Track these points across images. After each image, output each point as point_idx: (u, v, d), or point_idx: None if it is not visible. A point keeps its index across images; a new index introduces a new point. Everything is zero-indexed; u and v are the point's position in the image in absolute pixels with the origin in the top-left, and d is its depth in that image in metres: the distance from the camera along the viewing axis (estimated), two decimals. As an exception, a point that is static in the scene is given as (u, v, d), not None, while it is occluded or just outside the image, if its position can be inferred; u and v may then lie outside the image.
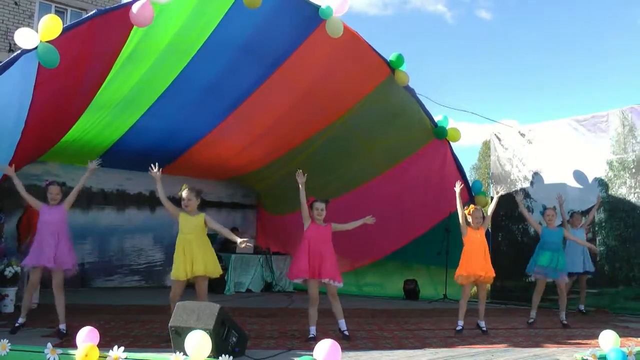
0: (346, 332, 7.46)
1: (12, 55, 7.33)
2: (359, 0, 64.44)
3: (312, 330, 7.36)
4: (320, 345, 4.98)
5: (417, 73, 52.25)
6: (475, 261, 8.22)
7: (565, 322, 9.23)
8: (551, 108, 55.65)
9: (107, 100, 10.24)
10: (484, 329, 8.26)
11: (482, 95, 62.66)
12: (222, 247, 14.43)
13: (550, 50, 59.09)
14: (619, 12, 55.06)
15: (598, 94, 54.50)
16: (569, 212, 11.15)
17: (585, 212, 11.56)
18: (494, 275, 8.35)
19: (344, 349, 5.08)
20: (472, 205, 8.63)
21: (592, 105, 61.88)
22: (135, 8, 7.90)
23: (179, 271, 7.08)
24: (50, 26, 7.30)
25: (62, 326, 7.23)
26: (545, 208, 9.64)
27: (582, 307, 11.02)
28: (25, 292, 7.54)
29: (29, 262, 7.37)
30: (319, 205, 7.63)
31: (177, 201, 7.42)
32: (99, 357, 5.30)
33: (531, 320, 9.33)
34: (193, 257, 7.08)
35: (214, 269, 7.26)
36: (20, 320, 7.32)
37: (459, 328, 8.20)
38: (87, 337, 5.48)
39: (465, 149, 56.07)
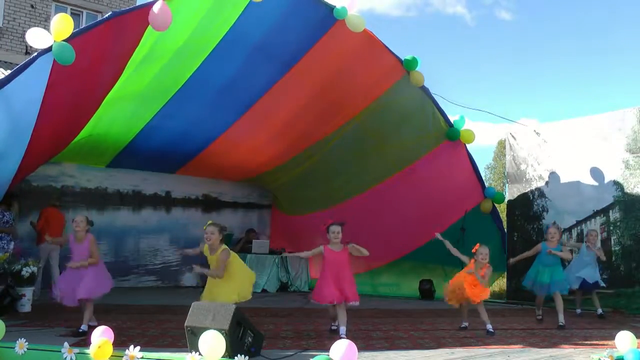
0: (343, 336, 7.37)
1: (30, 57, 7.39)
2: (383, 3, 64.72)
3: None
4: (336, 345, 4.98)
5: (436, 73, 52.44)
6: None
7: (562, 324, 9.14)
8: (571, 107, 55.65)
9: (121, 100, 10.29)
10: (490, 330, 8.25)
11: (500, 95, 62.79)
12: (239, 248, 14.47)
13: (571, 49, 59.00)
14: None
15: (618, 92, 54.40)
16: (587, 230, 11.10)
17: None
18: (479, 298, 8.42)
19: (359, 349, 5.07)
20: (477, 245, 8.60)
21: (612, 104, 61.80)
22: (153, 12, 7.92)
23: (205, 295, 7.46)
24: (63, 26, 7.34)
25: (84, 326, 7.28)
26: (547, 227, 9.69)
27: (600, 310, 10.76)
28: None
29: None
30: (335, 228, 7.85)
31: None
32: (116, 356, 5.34)
33: (539, 317, 9.61)
34: (218, 296, 7.27)
35: (247, 294, 7.73)
36: (83, 327, 7.31)
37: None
38: (102, 336, 5.50)
39: (481, 149, 56.11)
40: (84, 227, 7.64)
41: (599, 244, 10.85)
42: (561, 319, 9.16)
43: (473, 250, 8.49)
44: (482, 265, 8.38)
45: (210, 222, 7.65)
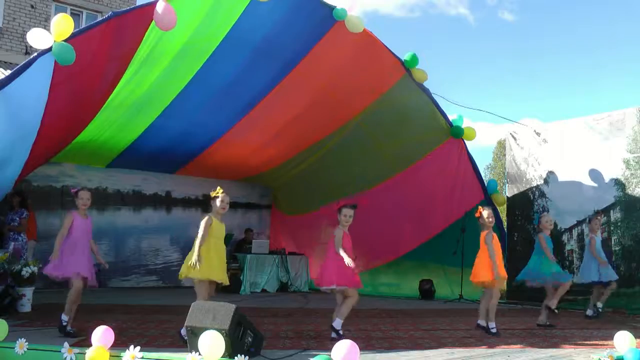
0: (340, 332, 7.24)
1: (30, 58, 7.39)
2: (387, 4, 64.82)
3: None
4: (338, 346, 4.97)
5: (438, 74, 52.45)
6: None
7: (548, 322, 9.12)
8: (572, 107, 55.58)
9: (123, 101, 10.29)
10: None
11: (502, 95, 62.76)
12: (237, 248, 14.51)
13: (573, 50, 59.00)
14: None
15: (618, 92, 54.43)
16: (593, 212, 11.01)
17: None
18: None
19: (359, 349, 5.06)
20: (479, 207, 8.45)
21: (612, 104, 61.83)
22: (158, 12, 7.89)
23: (216, 272, 6.91)
24: (63, 26, 7.35)
25: (69, 328, 7.17)
26: (541, 215, 9.63)
27: (591, 310, 10.55)
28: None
29: (63, 273, 7.33)
30: (348, 211, 7.39)
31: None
32: (114, 357, 5.33)
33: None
34: (223, 263, 7.04)
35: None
36: (69, 328, 7.19)
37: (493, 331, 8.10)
38: (102, 336, 5.50)
39: (481, 149, 56.13)
40: (90, 202, 7.55)
41: (599, 234, 10.71)
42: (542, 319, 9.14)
43: (477, 214, 8.26)
44: (489, 229, 8.17)
45: (220, 189, 7.13)
